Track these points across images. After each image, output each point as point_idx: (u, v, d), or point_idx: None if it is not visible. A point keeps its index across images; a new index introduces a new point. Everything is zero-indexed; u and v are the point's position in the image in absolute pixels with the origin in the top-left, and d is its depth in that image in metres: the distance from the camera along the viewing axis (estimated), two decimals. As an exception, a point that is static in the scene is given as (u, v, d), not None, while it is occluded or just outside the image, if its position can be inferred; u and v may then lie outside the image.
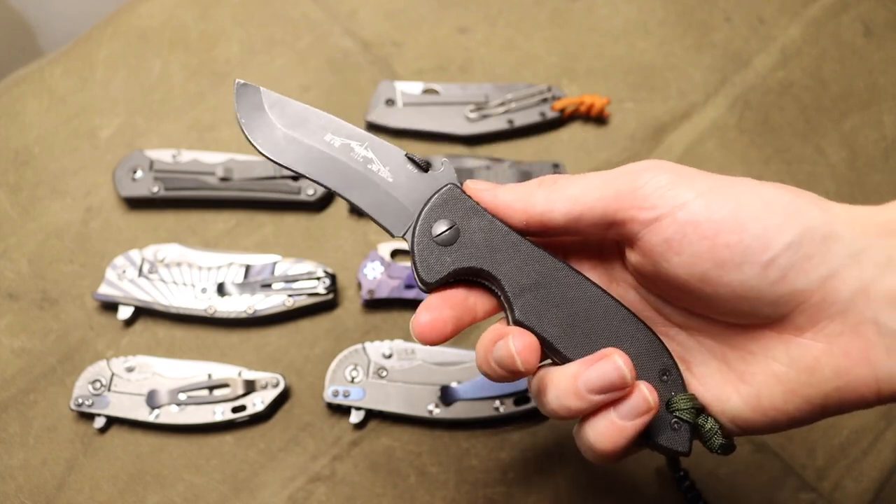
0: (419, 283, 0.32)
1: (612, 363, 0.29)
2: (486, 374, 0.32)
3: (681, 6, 0.69)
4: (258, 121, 0.33)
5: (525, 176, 0.58)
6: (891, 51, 0.67)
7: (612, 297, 0.32)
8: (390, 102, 0.62)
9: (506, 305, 0.32)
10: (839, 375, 0.27)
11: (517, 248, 0.32)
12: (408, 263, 0.55)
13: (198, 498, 0.50)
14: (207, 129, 0.63)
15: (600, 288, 0.32)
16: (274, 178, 0.58)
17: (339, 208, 0.60)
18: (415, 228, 0.32)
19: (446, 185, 0.33)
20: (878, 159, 0.63)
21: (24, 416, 0.53)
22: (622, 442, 0.29)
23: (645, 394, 0.29)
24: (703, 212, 0.28)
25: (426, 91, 0.62)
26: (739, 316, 0.29)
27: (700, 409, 0.31)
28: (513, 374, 0.30)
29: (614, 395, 0.29)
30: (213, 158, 0.58)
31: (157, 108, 0.63)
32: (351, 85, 0.64)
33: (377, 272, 0.55)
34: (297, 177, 0.58)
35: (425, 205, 0.32)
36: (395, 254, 0.56)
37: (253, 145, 0.33)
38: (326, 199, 0.59)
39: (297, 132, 0.33)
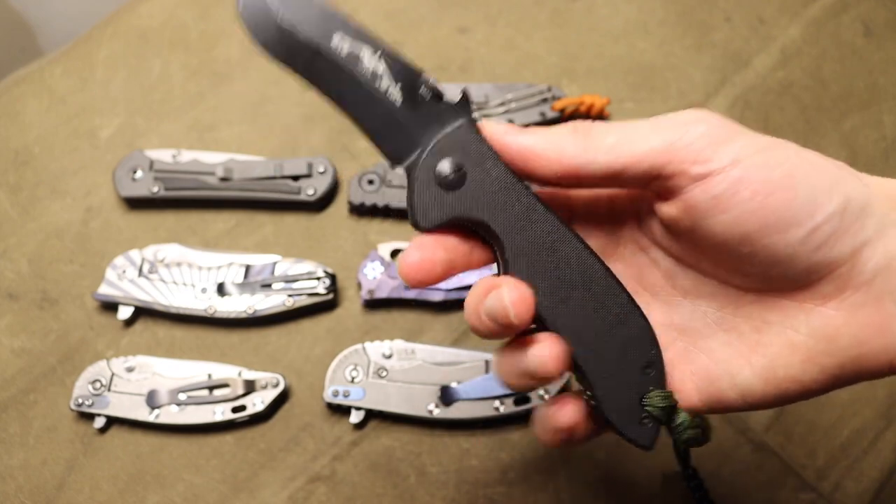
0: (412, 224, 0.30)
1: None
2: (474, 329, 0.29)
3: (681, 6, 0.69)
4: (258, 13, 0.29)
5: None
6: (891, 51, 0.67)
7: (615, 278, 0.30)
8: (390, 102, 0.62)
9: (500, 264, 0.30)
10: (857, 345, 0.27)
11: (526, 208, 0.29)
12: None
13: (198, 498, 0.50)
14: (207, 129, 0.63)
15: (606, 267, 0.30)
16: (274, 178, 0.58)
17: (338, 208, 0.60)
18: (417, 163, 0.29)
19: (461, 121, 0.29)
20: (878, 159, 0.63)
21: (24, 416, 0.53)
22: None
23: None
24: (759, 170, 0.27)
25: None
26: (766, 280, 0.29)
27: (673, 409, 0.30)
28: (504, 328, 0.28)
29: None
30: (213, 158, 0.58)
31: (157, 108, 0.63)
32: (351, 85, 0.64)
33: (377, 272, 0.55)
34: (297, 177, 0.58)
35: (434, 138, 0.29)
36: (396, 254, 0.56)
37: (249, 36, 0.29)
38: (326, 199, 0.59)
39: (301, 27, 0.29)
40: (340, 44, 0.29)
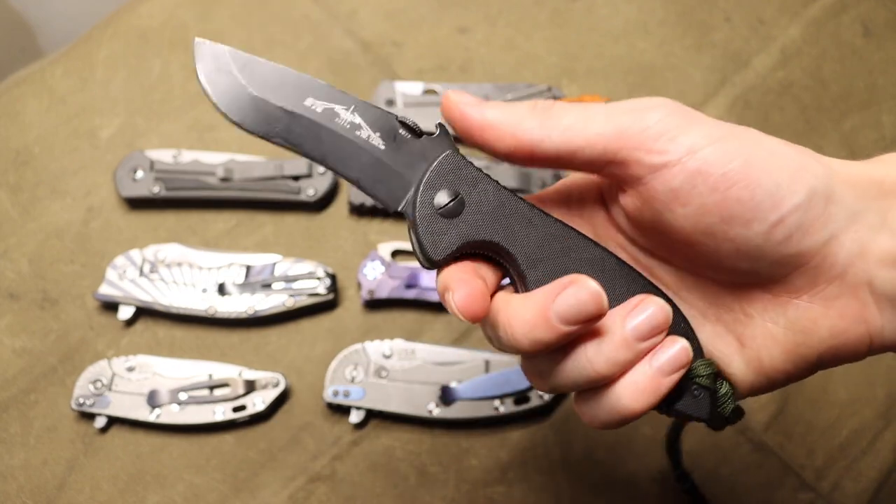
0: (423, 262, 0.29)
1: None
2: (536, 344, 0.28)
3: (681, 6, 0.69)
4: (226, 85, 0.29)
5: (525, 176, 0.58)
6: (890, 51, 0.67)
7: (629, 266, 0.30)
8: (390, 103, 0.62)
9: (517, 279, 0.30)
10: (835, 336, 0.27)
11: (528, 218, 0.29)
12: (408, 263, 0.55)
13: (198, 497, 0.50)
14: (208, 129, 0.63)
15: (617, 258, 0.30)
16: (274, 178, 0.58)
17: (339, 208, 0.60)
18: (415, 201, 0.29)
19: (445, 151, 0.29)
20: (878, 159, 0.63)
21: (25, 416, 0.53)
22: (655, 399, 0.27)
23: (685, 345, 0.27)
24: (716, 162, 0.26)
25: (426, 91, 0.63)
26: (737, 274, 0.29)
27: (718, 374, 0.30)
28: (591, 321, 0.26)
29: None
30: (213, 159, 0.58)
31: (158, 109, 0.63)
32: (351, 85, 0.64)
33: (377, 272, 0.55)
34: (297, 177, 0.58)
35: (424, 174, 0.29)
36: (396, 254, 0.56)
37: (222, 113, 0.29)
38: (326, 200, 0.59)
39: (273, 96, 0.29)
40: (314, 105, 0.30)
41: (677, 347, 0.27)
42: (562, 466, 0.51)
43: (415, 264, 0.55)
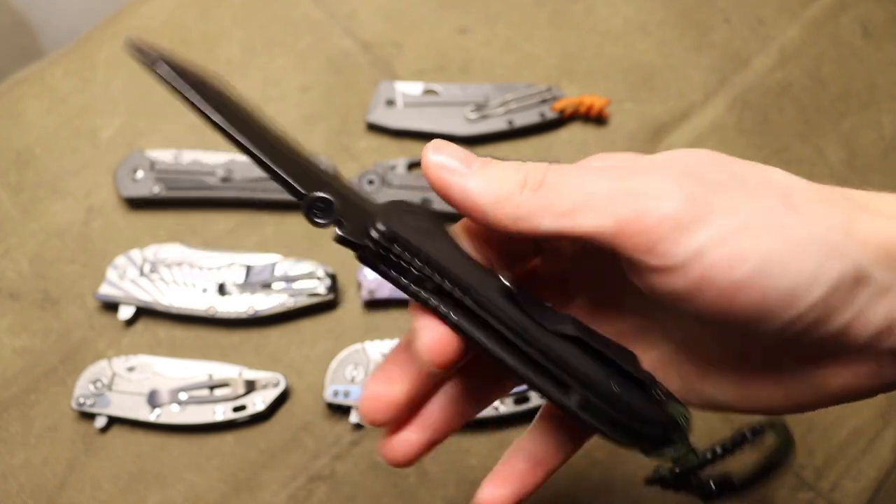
0: None
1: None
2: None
3: (680, 7, 0.69)
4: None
5: (525, 176, 0.58)
6: (889, 51, 0.67)
7: (557, 396, 0.26)
8: (390, 103, 0.62)
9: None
10: (846, 391, 0.25)
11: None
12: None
13: (198, 497, 0.50)
14: (208, 129, 0.63)
15: (546, 386, 0.25)
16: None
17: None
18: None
19: (357, 254, 0.26)
20: (877, 159, 0.63)
21: (26, 416, 0.53)
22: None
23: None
24: (725, 268, 0.23)
25: (426, 91, 0.63)
26: (743, 347, 0.27)
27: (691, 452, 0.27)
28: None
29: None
30: (214, 159, 0.59)
31: (158, 109, 0.64)
32: (351, 85, 0.64)
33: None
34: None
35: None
36: (396, 254, 0.56)
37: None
38: (327, 200, 0.59)
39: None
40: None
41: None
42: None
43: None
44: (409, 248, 0.25)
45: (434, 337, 0.25)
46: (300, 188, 0.25)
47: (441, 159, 0.26)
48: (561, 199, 0.24)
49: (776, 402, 0.27)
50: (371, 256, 0.25)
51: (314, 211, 0.25)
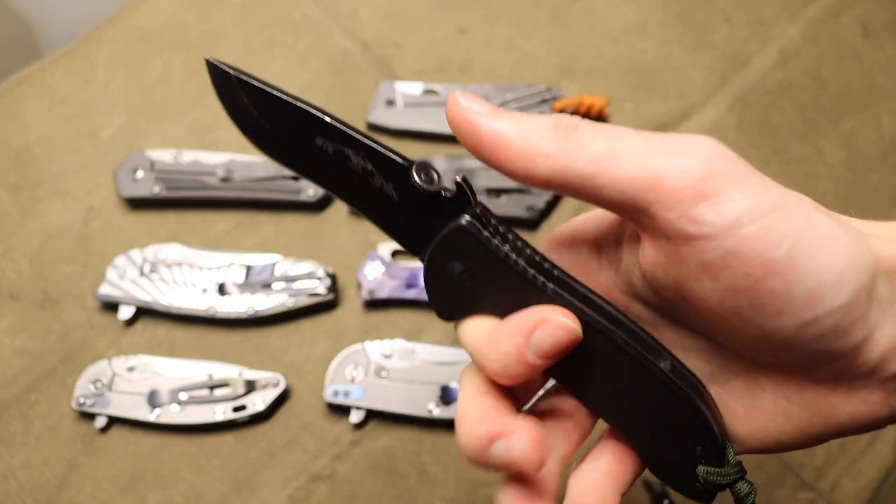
0: (436, 313, 0.28)
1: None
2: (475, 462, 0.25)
3: (680, 6, 0.69)
4: (242, 115, 0.28)
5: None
6: (889, 51, 0.67)
7: (650, 360, 0.26)
8: (390, 103, 0.62)
9: None
10: (855, 420, 0.25)
11: (540, 294, 0.25)
12: (408, 263, 0.55)
13: (198, 497, 0.50)
14: (208, 129, 0.63)
15: (638, 349, 0.26)
16: (274, 178, 0.58)
17: (339, 208, 0.60)
18: (427, 260, 0.27)
19: (459, 221, 0.25)
20: (877, 159, 0.63)
21: (26, 416, 0.53)
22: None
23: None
24: (758, 245, 0.22)
25: (426, 91, 0.63)
26: (755, 353, 0.25)
27: (734, 483, 0.26)
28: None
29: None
30: (213, 159, 0.59)
31: (158, 109, 0.64)
32: (351, 85, 0.65)
33: (377, 272, 0.55)
34: (297, 177, 0.58)
35: (435, 240, 0.26)
36: (396, 254, 0.56)
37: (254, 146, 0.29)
38: (327, 200, 0.59)
39: (284, 133, 0.28)
40: (324, 145, 0.27)
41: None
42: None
43: (415, 264, 0.55)
44: (498, 219, 0.26)
45: (557, 319, 0.24)
46: (402, 160, 0.26)
47: (469, 104, 0.25)
48: (596, 142, 0.23)
49: (786, 437, 0.26)
50: (480, 219, 0.25)
51: (421, 175, 0.26)
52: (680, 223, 0.22)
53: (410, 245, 0.28)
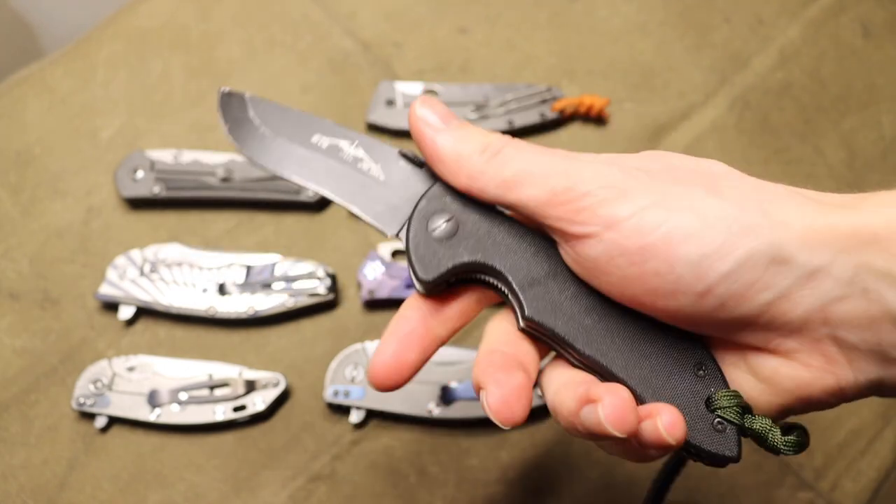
0: (417, 284, 0.30)
1: (618, 407, 0.25)
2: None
3: (680, 6, 0.69)
4: (242, 126, 0.33)
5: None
6: (889, 51, 0.67)
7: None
8: (390, 103, 0.62)
9: (514, 303, 0.30)
10: (800, 387, 0.26)
11: (522, 239, 0.29)
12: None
13: (198, 497, 0.50)
14: (208, 129, 0.63)
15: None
16: (274, 178, 0.58)
17: (339, 209, 0.60)
18: (409, 225, 0.30)
19: (439, 179, 0.30)
20: (877, 159, 0.63)
21: (26, 416, 0.53)
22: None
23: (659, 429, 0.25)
24: (633, 235, 0.25)
25: (426, 92, 0.63)
26: (687, 328, 0.27)
27: (746, 408, 0.27)
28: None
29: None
30: (213, 159, 0.59)
31: (158, 109, 0.64)
32: (351, 85, 0.65)
33: (377, 272, 0.55)
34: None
35: (420, 199, 0.30)
36: (396, 254, 0.56)
37: (238, 149, 0.33)
38: (326, 200, 0.59)
39: (283, 135, 0.33)
40: (320, 141, 0.32)
41: (651, 428, 0.25)
42: (562, 466, 0.51)
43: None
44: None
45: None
46: (390, 147, 0.32)
47: (424, 113, 0.29)
48: (508, 169, 0.28)
49: (753, 402, 0.28)
50: None
51: (407, 155, 0.31)
52: (569, 228, 0.26)
53: (389, 224, 0.31)
